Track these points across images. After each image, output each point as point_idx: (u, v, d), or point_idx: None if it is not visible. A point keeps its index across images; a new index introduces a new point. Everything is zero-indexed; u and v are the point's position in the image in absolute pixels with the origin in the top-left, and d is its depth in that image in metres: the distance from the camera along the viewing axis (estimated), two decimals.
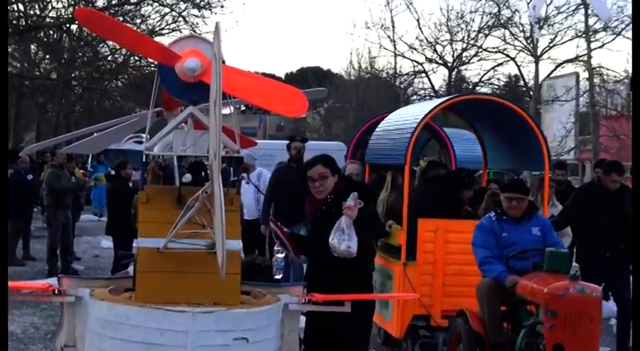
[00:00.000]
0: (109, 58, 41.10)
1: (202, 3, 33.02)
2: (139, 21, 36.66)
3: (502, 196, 8.88)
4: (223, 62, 5.23)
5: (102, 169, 30.07)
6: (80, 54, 39.33)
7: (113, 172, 17.88)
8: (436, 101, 11.52)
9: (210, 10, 33.26)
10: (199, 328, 5.33)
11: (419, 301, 9.40)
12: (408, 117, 11.01)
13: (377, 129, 11.83)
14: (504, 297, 8.36)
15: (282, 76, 71.52)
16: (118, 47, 39.57)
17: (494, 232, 8.62)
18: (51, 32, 36.46)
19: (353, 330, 7.18)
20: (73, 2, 34.42)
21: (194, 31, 31.84)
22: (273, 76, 43.51)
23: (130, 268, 7.50)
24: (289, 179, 12.69)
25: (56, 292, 6.14)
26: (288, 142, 13.71)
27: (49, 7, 34.71)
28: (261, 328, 5.69)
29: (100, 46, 39.45)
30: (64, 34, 37.79)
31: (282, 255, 11.19)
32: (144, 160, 6.05)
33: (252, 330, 5.60)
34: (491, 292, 8.32)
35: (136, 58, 40.38)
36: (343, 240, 6.83)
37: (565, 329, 7.56)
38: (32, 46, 37.47)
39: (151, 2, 34.08)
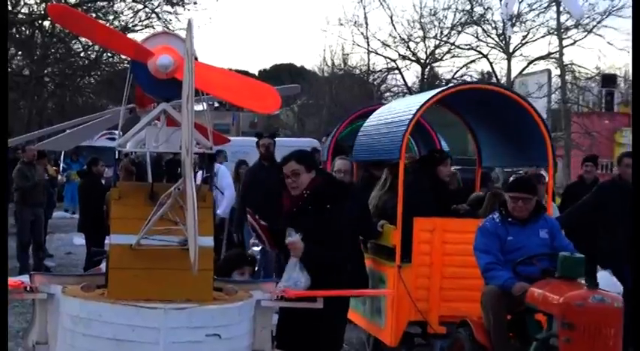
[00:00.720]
0: (82, 54, 40.89)
1: None
2: (111, 17, 36.68)
3: (507, 196, 8.11)
4: (196, 58, 5.23)
5: (75, 166, 30.08)
6: (53, 50, 39.13)
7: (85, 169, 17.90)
8: (430, 92, 10.56)
9: (184, 6, 33.53)
10: (171, 324, 5.31)
11: (414, 306, 8.85)
12: (400, 110, 10.28)
13: (365, 125, 11.30)
14: (510, 305, 7.67)
15: (256, 73, 71.47)
16: (91, 44, 39.57)
17: (499, 235, 7.92)
18: (23, 28, 36.32)
19: (326, 327, 7.21)
20: None
21: (167, 28, 31.85)
22: (246, 73, 43.42)
23: (103, 265, 7.49)
24: (263, 179, 11.99)
25: (28, 289, 6.15)
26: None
27: (21, 3, 34.66)
28: (233, 325, 5.67)
29: (73, 42, 39.24)
30: (37, 31, 37.67)
31: (259, 248, 11.32)
32: (116, 156, 6.04)
33: (225, 326, 5.58)
34: (498, 301, 7.62)
35: (109, 54, 40.30)
36: (296, 281, 6.85)
37: (584, 343, 6.90)
38: None
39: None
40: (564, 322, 6.93)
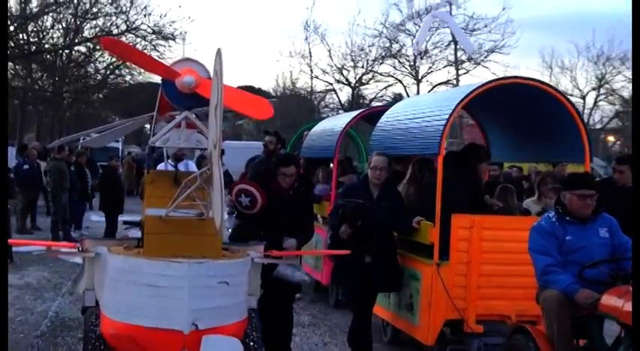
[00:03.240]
0: (92, 76, 40.47)
1: (168, 35, 33.03)
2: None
3: (569, 195, 5.96)
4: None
5: None
6: (70, 73, 38.65)
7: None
8: (471, 85, 7.95)
9: (174, 40, 33.26)
10: (193, 274, 5.31)
11: (453, 304, 6.94)
12: (435, 105, 7.85)
13: (383, 122, 8.78)
14: (573, 311, 5.67)
15: None
16: (100, 68, 39.25)
17: (556, 235, 5.90)
18: (48, 56, 35.84)
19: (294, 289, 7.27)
20: (65, 33, 34.08)
21: (161, 57, 31.82)
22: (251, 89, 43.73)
23: (130, 232, 7.51)
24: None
25: (81, 249, 6.22)
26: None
27: (47, 37, 34.31)
28: (237, 275, 5.71)
29: (87, 68, 38.96)
30: (59, 58, 37.25)
31: (227, 217, 10.84)
32: (147, 151, 6.06)
33: (231, 276, 5.62)
34: (561, 307, 5.66)
35: (113, 77, 40.03)
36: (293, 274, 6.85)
37: None
38: (34, 66, 36.74)
39: (130, 33, 33.82)
40: None
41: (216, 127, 4.83)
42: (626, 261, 5.73)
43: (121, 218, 12.73)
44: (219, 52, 4.72)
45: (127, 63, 34.19)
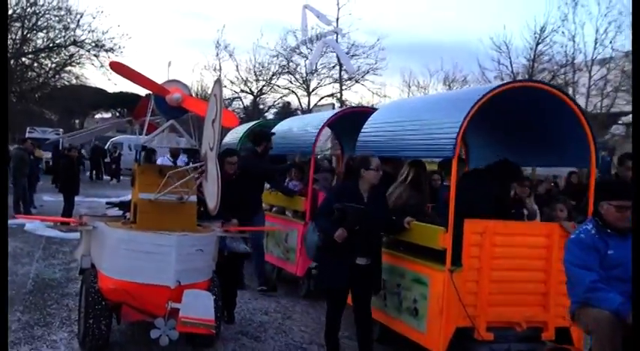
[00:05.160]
0: (36, 79, 38.91)
1: (108, 48, 32.37)
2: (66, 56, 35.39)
3: (606, 205, 4.62)
4: (206, 97, 5.61)
5: None
6: (17, 76, 37.10)
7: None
8: (482, 88, 6.40)
9: (113, 52, 32.59)
10: (179, 243, 5.59)
11: (465, 312, 5.64)
12: (445, 106, 6.42)
13: (372, 124, 7.33)
14: (624, 331, 4.32)
15: None
16: (41, 73, 37.75)
17: (598, 249, 4.55)
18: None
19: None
20: (13, 43, 32.71)
21: (102, 66, 31.29)
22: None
23: (110, 212, 7.68)
24: (253, 166, 8.46)
25: (82, 223, 6.47)
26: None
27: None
28: (208, 244, 5.99)
29: (30, 72, 37.47)
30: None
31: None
32: (139, 150, 6.25)
33: (204, 245, 5.89)
34: (614, 329, 4.33)
35: (53, 80, 38.67)
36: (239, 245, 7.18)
37: None
38: None
39: (76, 46, 32.82)
40: None
41: (215, 135, 5.10)
42: None
43: (104, 200, 12.74)
44: (218, 81, 5.10)
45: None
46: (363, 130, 7.38)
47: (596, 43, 27.58)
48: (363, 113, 8.54)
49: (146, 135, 6.16)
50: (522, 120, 6.76)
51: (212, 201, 5.22)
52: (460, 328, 5.72)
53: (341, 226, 5.70)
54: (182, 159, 10.52)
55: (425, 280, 6.00)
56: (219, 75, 40.35)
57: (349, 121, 9.31)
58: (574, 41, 28.34)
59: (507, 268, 5.93)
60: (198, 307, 5.58)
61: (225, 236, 6.79)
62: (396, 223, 6.22)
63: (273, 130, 9.70)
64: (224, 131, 7.98)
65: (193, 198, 6.07)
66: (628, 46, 25.25)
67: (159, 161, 8.50)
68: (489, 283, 5.84)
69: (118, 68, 5.64)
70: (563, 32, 28.57)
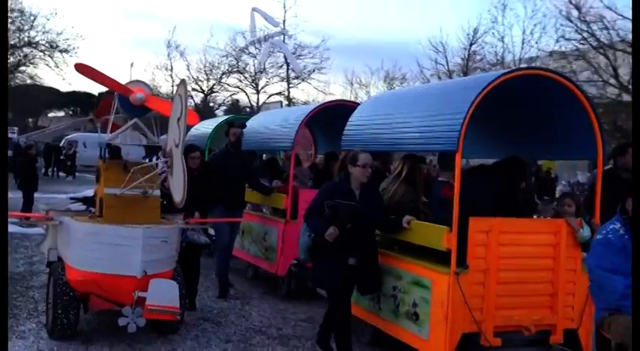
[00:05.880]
0: None
1: (62, 49, 31.61)
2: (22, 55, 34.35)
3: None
4: (157, 95, 5.66)
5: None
6: None
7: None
8: (484, 77, 5.65)
9: (68, 52, 31.90)
10: (145, 235, 5.58)
11: (471, 316, 4.95)
12: (442, 98, 5.49)
13: (359, 117, 6.55)
14: None
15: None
16: None
17: (628, 250, 3.76)
18: None
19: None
20: None
21: (57, 66, 30.59)
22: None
23: (73, 206, 7.57)
24: (229, 166, 8.04)
25: (49, 218, 6.37)
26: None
27: None
28: (171, 236, 5.98)
29: None
30: None
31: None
32: (105, 147, 6.14)
33: (168, 237, 5.89)
34: None
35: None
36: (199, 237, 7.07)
37: None
38: None
39: (30, 47, 31.93)
40: None
41: (180, 132, 5.12)
42: None
43: (68, 195, 12.42)
44: (183, 82, 5.12)
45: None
46: (348, 124, 6.62)
47: (523, 44, 28.49)
48: (340, 107, 8.03)
49: (110, 133, 6.09)
50: (520, 110, 5.96)
51: (178, 195, 5.23)
52: (465, 333, 5.05)
53: (332, 225, 5.21)
54: None
55: (426, 283, 5.25)
56: (184, 77, 39.92)
57: (323, 115, 8.45)
58: (503, 42, 29.26)
59: (514, 268, 5.21)
60: (164, 295, 5.61)
61: (187, 228, 6.77)
62: (392, 221, 5.55)
63: (246, 124, 9.03)
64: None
65: (157, 192, 6.06)
66: (552, 45, 26.08)
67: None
68: (496, 284, 5.12)
69: (83, 69, 5.59)
70: (493, 33, 29.46)
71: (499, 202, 5.33)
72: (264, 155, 9.17)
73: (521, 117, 6.03)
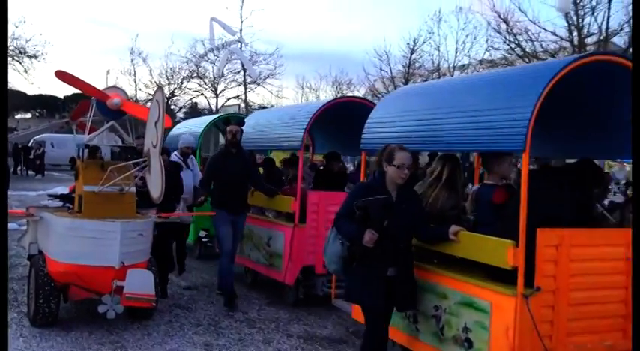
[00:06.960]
0: None
1: (31, 54, 30.74)
2: None
3: None
4: (136, 100, 5.65)
5: None
6: None
7: None
8: (555, 62, 4.30)
9: (37, 58, 31.02)
10: (123, 229, 5.53)
11: (542, 345, 3.84)
12: (495, 91, 4.27)
13: (383, 112, 5.35)
14: None
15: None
16: None
17: None
18: None
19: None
20: None
21: (26, 71, 29.75)
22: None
23: (50, 203, 7.43)
24: (231, 166, 7.02)
25: (28, 214, 6.27)
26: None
27: None
28: (147, 229, 5.93)
29: None
30: None
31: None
32: (84, 148, 6.06)
33: (144, 230, 5.85)
34: None
35: None
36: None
37: None
38: None
39: None
40: None
41: (157, 134, 5.11)
42: None
43: (47, 192, 12.14)
44: (160, 89, 5.13)
45: None
46: (369, 122, 5.40)
47: (457, 53, 29.25)
48: (341, 107, 7.07)
49: (88, 134, 6.05)
50: (569, 104, 4.86)
51: (156, 192, 5.24)
52: None
53: (366, 227, 4.10)
54: (192, 158, 8.51)
55: (483, 305, 4.08)
56: (147, 82, 39.28)
57: (323, 115, 7.07)
58: (439, 51, 29.92)
59: (585, 287, 4.08)
60: (140, 283, 5.60)
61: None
62: (436, 231, 4.41)
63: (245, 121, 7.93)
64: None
65: (132, 189, 6.05)
66: (482, 54, 26.84)
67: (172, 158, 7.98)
68: (567, 307, 4.01)
69: (62, 76, 5.54)
70: (430, 43, 30.12)
71: (577, 212, 4.19)
72: (256, 156, 8.30)
73: (580, 111, 4.87)
